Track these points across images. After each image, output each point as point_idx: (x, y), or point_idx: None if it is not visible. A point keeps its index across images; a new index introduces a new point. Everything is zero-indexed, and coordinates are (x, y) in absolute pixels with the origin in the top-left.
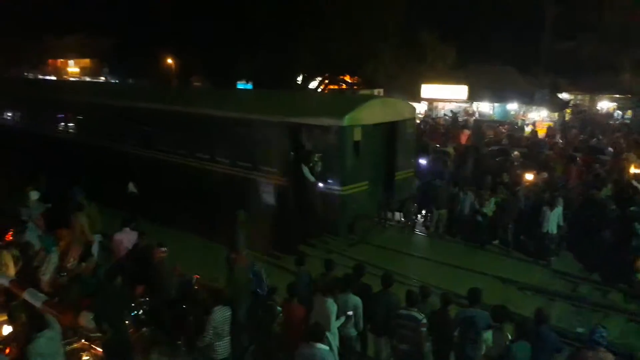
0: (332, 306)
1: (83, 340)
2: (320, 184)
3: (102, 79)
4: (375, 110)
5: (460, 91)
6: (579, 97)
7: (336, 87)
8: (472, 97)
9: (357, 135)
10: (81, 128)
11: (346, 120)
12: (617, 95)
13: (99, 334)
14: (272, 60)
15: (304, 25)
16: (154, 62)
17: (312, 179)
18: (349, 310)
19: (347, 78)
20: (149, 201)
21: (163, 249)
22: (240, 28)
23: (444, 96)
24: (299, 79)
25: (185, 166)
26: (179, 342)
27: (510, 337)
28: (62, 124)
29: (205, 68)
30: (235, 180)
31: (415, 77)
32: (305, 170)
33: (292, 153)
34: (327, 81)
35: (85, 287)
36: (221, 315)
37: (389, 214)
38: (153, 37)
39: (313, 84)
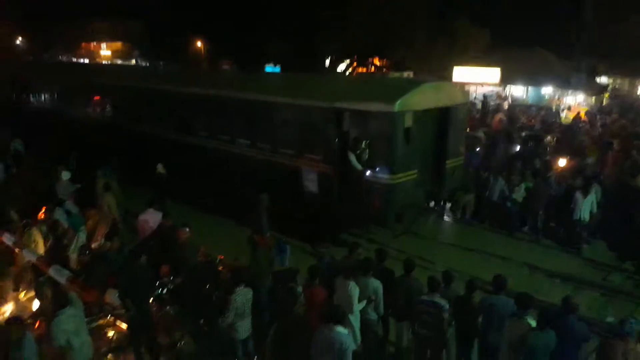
0: (354, 289)
1: (109, 317)
2: (368, 173)
3: (133, 62)
4: (427, 95)
5: (492, 74)
6: (619, 81)
7: (364, 70)
8: (505, 80)
9: (409, 122)
10: (112, 110)
11: (397, 106)
12: None
13: (123, 311)
14: (300, 44)
15: (328, 10)
16: (184, 46)
17: (359, 167)
18: (368, 294)
19: (376, 61)
20: (183, 184)
21: (186, 229)
22: (266, 12)
23: (475, 79)
24: (327, 62)
25: (221, 151)
26: (201, 322)
27: (533, 325)
28: (93, 106)
29: (234, 51)
30: (275, 167)
31: (447, 60)
32: (352, 158)
33: (336, 140)
34: (355, 64)
35: (111, 265)
36: (243, 296)
37: (435, 204)
38: (183, 21)
39: (341, 67)
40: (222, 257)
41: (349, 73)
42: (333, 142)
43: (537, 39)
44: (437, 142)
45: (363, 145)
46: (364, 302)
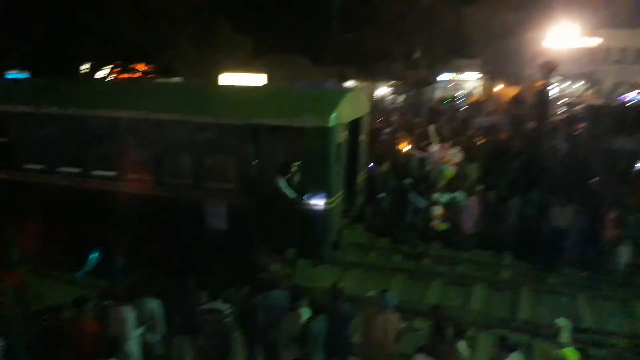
0: (128, 313)
1: None
2: (302, 199)
3: None
4: (349, 106)
5: (259, 80)
6: (362, 83)
7: (128, 75)
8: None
9: (340, 137)
10: None
11: (332, 120)
12: (392, 82)
13: None
14: (52, 46)
15: (84, 7)
16: None
17: (292, 194)
18: (146, 315)
19: (142, 66)
20: None
21: None
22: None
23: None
24: (86, 67)
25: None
26: None
27: (307, 315)
28: None
29: None
30: (158, 203)
31: (213, 66)
32: (283, 183)
33: (254, 163)
34: (118, 69)
35: None
36: None
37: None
38: None
39: (101, 73)
40: None
41: (112, 79)
42: (249, 166)
43: (295, 46)
44: (351, 157)
45: (295, 167)
46: (142, 328)
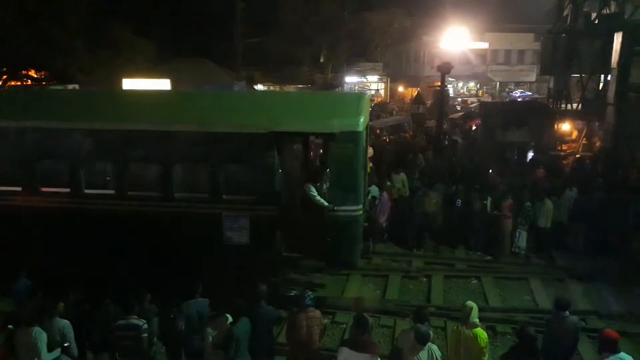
0: (39, 335)
1: None
2: (333, 206)
3: None
4: (366, 110)
5: (162, 85)
6: (271, 87)
7: (19, 83)
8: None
9: (364, 141)
10: None
11: (361, 124)
12: (300, 85)
13: None
14: None
15: None
16: None
17: (324, 203)
18: (57, 335)
19: (33, 73)
20: None
21: None
22: None
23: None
24: None
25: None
26: None
27: (231, 319)
28: None
29: None
30: (169, 220)
31: (114, 72)
32: (314, 191)
33: (278, 172)
34: (5, 77)
35: None
36: None
37: None
38: None
39: None
40: None
41: None
42: (274, 175)
43: (200, 50)
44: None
45: (326, 174)
46: (57, 352)
